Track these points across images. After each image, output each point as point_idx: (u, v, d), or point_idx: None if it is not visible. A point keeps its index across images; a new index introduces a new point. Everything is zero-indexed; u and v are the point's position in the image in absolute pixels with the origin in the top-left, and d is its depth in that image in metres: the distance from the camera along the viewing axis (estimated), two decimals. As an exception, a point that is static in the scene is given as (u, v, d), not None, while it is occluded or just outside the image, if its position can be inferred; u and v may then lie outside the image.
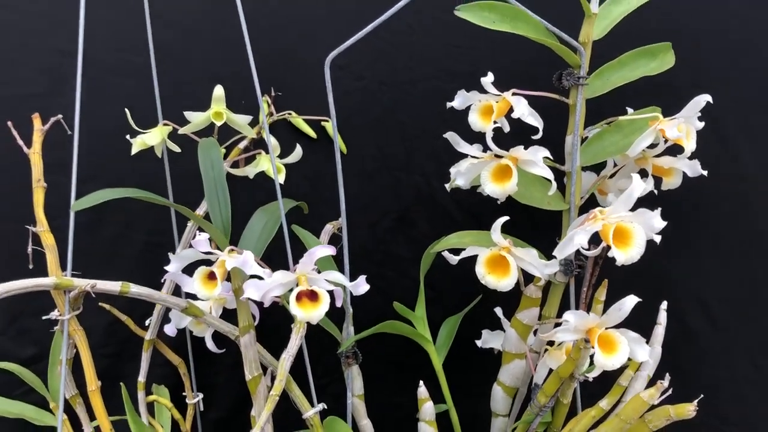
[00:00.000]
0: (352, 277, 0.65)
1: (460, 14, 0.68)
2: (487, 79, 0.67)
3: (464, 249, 0.69)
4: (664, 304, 0.70)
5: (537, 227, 0.75)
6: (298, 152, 0.78)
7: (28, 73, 0.83)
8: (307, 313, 0.60)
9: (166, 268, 0.66)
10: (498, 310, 0.77)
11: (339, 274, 0.63)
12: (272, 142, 0.74)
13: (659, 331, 0.70)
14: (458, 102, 0.71)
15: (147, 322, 0.78)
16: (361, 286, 0.63)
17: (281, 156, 0.78)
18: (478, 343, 0.79)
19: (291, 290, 0.62)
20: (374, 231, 0.88)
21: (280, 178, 0.75)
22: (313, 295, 0.61)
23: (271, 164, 0.74)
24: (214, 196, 0.69)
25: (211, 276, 0.63)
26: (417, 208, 0.88)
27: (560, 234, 0.73)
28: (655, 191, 0.74)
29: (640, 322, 0.66)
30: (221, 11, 0.84)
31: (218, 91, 0.73)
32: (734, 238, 0.87)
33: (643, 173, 0.74)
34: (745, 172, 0.86)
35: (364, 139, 0.87)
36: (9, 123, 0.69)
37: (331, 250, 0.62)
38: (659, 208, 0.63)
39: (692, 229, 0.86)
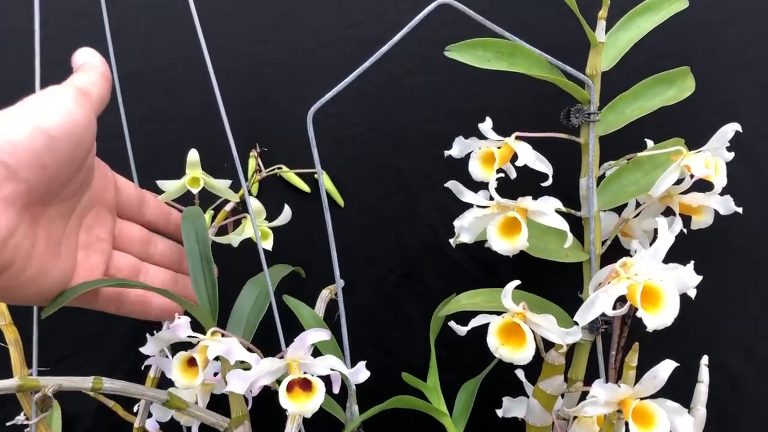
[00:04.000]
0: (355, 353, 0.58)
1: (450, 55, 0.61)
2: (486, 125, 0.60)
3: (477, 311, 0.61)
4: (704, 359, 0.62)
5: (558, 273, 0.68)
6: (286, 213, 0.71)
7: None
8: (300, 406, 0.53)
9: (142, 350, 0.59)
10: (519, 373, 0.70)
11: (336, 359, 0.55)
12: (254, 205, 0.67)
13: (701, 389, 0.62)
14: (456, 150, 0.64)
15: (135, 409, 0.71)
16: (361, 373, 0.56)
17: (271, 218, 0.72)
18: (499, 413, 0.71)
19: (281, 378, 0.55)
20: (380, 288, 0.81)
21: (268, 245, 0.68)
22: (306, 384, 0.54)
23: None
24: (199, 274, 0.62)
25: (192, 362, 0.56)
26: (424, 261, 0.80)
27: (582, 287, 0.66)
28: (685, 230, 0.66)
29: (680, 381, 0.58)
30: (199, 67, 0.78)
31: (192, 155, 0.67)
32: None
33: (670, 212, 0.66)
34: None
35: (363, 190, 0.80)
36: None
37: (325, 335, 0.54)
38: (692, 262, 0.55)
39: (727, 270, 0.77)
